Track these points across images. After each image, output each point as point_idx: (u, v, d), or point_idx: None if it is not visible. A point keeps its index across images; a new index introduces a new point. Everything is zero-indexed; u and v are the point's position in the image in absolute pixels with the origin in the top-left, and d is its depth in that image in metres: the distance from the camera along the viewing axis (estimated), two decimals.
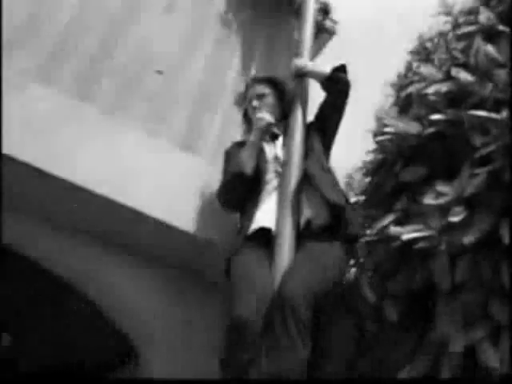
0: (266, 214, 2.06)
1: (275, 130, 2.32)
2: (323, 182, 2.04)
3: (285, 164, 2.15)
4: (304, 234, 1.95)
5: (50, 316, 4.42)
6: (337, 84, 2.23)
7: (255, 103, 2.37)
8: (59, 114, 2.23)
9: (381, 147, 2.48)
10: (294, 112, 2.29)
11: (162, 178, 2.58)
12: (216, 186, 2.51)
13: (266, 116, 2.26)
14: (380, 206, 2.30)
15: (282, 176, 2.13)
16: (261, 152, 2.24)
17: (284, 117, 2.36)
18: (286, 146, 2.22)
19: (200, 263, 2.73)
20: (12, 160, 2.11)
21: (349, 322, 2.19)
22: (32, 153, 2.13)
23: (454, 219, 1.74)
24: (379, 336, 2.15)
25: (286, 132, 2.28)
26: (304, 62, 2.41)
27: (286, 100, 2.39)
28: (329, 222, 1.98)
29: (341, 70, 2.26)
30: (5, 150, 2.06)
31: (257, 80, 2.48)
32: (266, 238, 2.00)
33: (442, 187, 1.90)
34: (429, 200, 1.90)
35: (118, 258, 2.61)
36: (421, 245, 1.88)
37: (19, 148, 2.09)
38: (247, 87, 2.46)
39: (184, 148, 2.88)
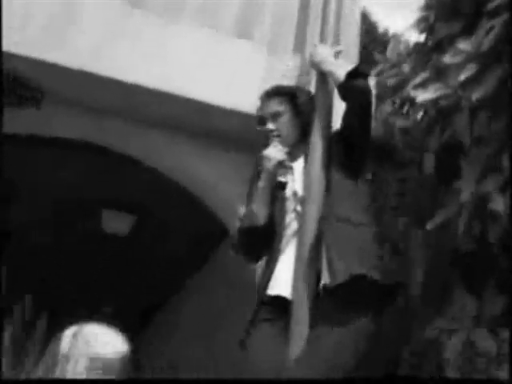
0: (283, 273, 1.86)
1: (283, 179, 1.94)
2: (339, 240, 1.76)
3: (303, 203, 1.89)
4: (324, 301, 1.74)
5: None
6: (352, 92, 1.87)
7: (270, 125, 2.03)
8: (116, 23, 2.53)
9: (426, 3, 2.43)
10: (314, 134, 1.94)
11: (224, 66, 2.82)
12: (277, 71, 2.69)
13: (273, 154, 1.95)
14: (418, 68, 2.33)
15: (300, 220, 1.88)
16: (277, 189, 1.97)
17: (306, 134, 2.01)
18: (304, 178, 1.92)
19: None
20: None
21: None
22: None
23: (461, 77, 1.78)
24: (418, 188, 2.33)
25: (306, 158, 1.97)
26: (322, 54, 1.97)
27: (307, 113, 2.02)
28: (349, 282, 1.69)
29: (358, 73, 1.88)
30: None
31: (270, 94, 2.09)
32: (283, 304, 1.82)
33: (462, 44, 1.90)
34: (448, 58, 1.93)
35: (197, 145, 3.01)
36: (441, 103, 1.95)
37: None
38: (261, 103, 2.10)
39: (241, 36, 3.03)
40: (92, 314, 12.71)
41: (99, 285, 9.60)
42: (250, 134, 2.91)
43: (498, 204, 1.77)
